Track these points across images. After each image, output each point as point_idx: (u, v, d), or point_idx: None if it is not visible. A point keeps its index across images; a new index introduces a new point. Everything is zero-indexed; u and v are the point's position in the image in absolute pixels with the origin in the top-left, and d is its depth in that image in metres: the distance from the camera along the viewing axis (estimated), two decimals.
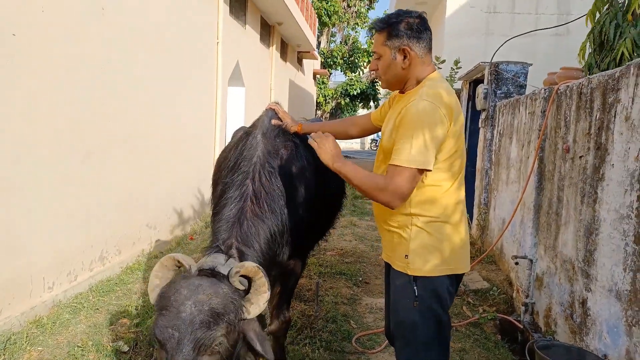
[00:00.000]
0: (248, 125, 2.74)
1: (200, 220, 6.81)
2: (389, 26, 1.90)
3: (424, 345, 1.90)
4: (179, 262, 1.75)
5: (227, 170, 2.26)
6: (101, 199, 4.34)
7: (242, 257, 1.85)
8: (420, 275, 1.88)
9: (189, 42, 6.42)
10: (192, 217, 6.69)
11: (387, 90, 2.13)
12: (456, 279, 1.98)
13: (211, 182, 2.80)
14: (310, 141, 1.99)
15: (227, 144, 2.86)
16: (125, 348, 3.07)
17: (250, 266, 1.68)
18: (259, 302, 1.67)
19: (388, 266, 2.10)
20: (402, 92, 2.02)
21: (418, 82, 1.94)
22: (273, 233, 2.07)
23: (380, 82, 2.04)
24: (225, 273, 1.69)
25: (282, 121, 2.48)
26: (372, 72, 2.01)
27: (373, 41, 1.96)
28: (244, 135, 2.41)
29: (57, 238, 3.76)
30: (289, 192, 2.24)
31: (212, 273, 1.68)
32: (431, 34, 1.97)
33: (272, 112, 2.51)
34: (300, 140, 2.50)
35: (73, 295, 3.87)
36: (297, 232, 2.32)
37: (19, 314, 3.32)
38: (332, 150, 1.93)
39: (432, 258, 1.88)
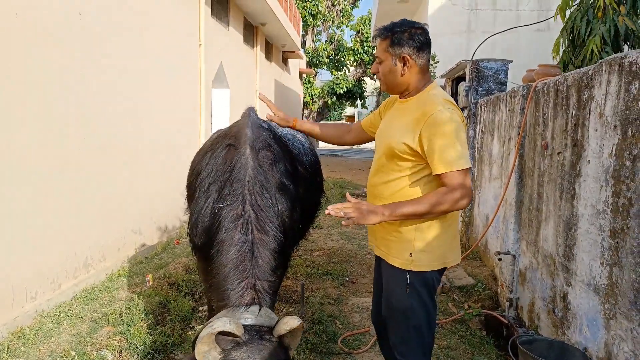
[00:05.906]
0: None
1: (186, 224, 6.76)
2: (392, 34, 2.00)
3: (415, 328, 2.05)
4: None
5: (215, 186, 2.26)
6: (81, 206, 4.29)
7: (266, 294, 2.02)
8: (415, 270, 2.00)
9: (170, 46, 6.37)
10: (178, 221, 6.65)
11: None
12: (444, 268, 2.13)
13: (186, 186, 2.78)
14: (346, 222, 1.78)
15: (203, 145, 2.83)
16: (109, 356, 3.04)
17: (295, 324, 1.82)
18: (295, 344, 1.87)
19: (379, 259, 2.20)
20: (402, 97, 2.12)
21: (418, 90, 2.05)
22: (277, 252, 2.17)
23: (380, 84, 2.14)
24: (264, 324, 1.86)
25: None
26: (373, 74, 2.12)
27: (377, 46, 2.06)
28: (224, 147, 2.38)
29: (38, 247, 3.71)
30: (279, 202, 2.29)
31: (258, 333, 1.82)
32: (431, 45, 2.07)
33: (250, 118, 2.49)
34: (277, 145, 2.49)
35: (57, 304, 3.83)
36: (290, 236, 2.38)
37: (0, 325, 3.27)
38: (370, 210, 1.82)
39: (432, 255, 2.00)
